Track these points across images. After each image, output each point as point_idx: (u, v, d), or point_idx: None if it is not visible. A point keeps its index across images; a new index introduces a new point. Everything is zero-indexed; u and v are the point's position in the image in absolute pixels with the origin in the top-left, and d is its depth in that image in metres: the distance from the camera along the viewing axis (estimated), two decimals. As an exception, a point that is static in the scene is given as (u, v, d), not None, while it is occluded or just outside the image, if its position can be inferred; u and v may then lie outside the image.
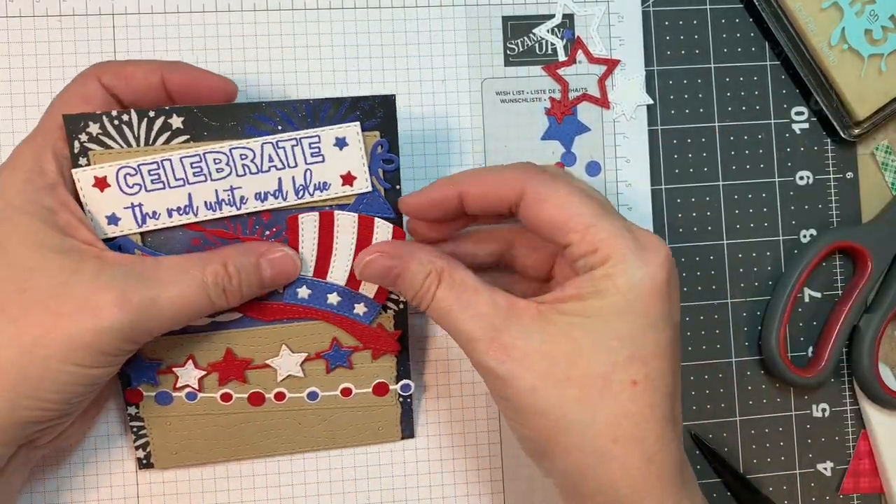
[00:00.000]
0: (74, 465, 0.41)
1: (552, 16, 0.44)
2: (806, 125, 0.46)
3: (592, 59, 0.44)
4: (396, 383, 0.41)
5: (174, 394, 0.39)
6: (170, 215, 0.36)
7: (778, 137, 0.46)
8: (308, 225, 0.37)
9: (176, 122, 0.36)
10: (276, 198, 0.37)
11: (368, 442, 0.42)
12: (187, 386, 0.39)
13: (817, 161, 0.46)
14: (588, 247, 0.33)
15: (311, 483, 0.42)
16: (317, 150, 0.36)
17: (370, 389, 0.41)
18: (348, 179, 0.37)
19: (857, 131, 0.45)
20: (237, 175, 0.36)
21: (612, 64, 0.44)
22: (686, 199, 0.45)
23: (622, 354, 0.32)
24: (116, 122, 0.35)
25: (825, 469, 0.46)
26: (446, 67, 0.43)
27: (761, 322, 0.45)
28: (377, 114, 0.37)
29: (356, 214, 0.37)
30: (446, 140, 0.43)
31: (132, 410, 0.39)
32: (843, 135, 0.45)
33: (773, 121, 0.46)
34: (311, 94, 0.42)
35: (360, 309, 0.39)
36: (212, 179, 0.36)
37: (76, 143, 0.35)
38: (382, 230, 0.38)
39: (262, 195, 0.37)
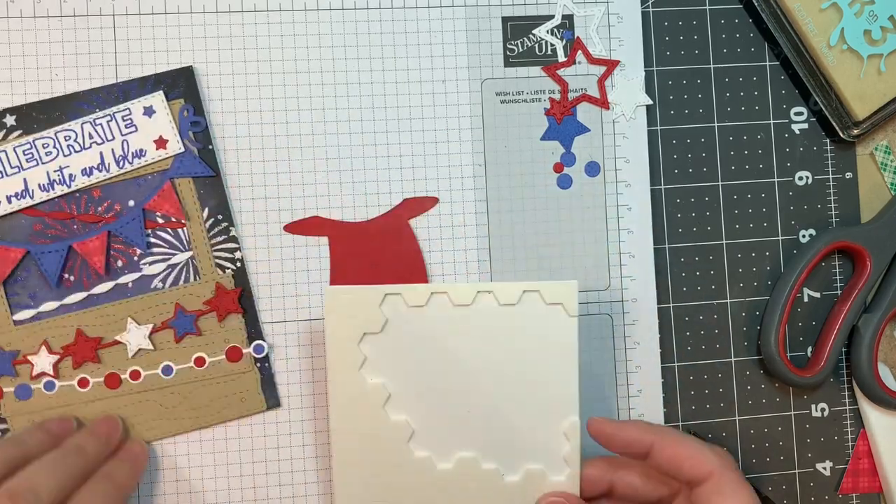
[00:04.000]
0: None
1: (552, 16, 0.44)
2: (805, 125, 0.46)
3: (592, 60, 0.44)
4: (249, 346, 0.42)
5: (32, 385, 0.41)
6: (10, 201, 0.40)
7: (777, 137, 0.46)
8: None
9: (10, 120, 0.41)
10: (101, 171, 0.41)
11: (235, 416, 0.42)
12: (43, 374, 0.41)
13: (816, 161, 0.46)
14: None
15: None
16: (129, 121, 0.41)
17: (224, 356, 0.42)
18: (161, 143, 0.41)
19: (856, 131, 0.45)
20: (64, 155, 0.41)
21: (611, 64, 0.44)
22: (686, 199, 0.45)
23: None
24: None
25: (824, 469, 0.46)
26: (446, 67, 0.43)
27: (760, 322, 0.45)
28: (179, 84, 0.42)
29: None
30: (446, 140, 0.43)
31: None
32: (842, 135, 0.45)
33: (772, 121, 0.46)
34: (311, 94, 0.42)
35: None
36: (42, 163, 0.41)
37: None
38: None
39: (88, 170, 0.41)
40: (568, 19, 0.44)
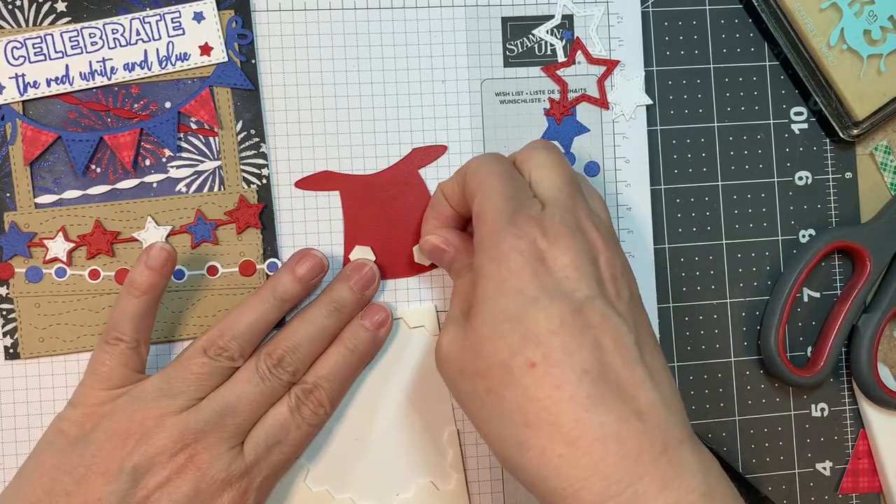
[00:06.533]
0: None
1: (551, 16, 0.44)
2: (805, 125, 0.46)
3: (592, 60, 0.44)
4: (263, 262, 0.42)
5: (44, 270, 0.41)
6: (48, 85, 0.41)
7: (777, 137, 0.46)
8: None
9: (60, 6, 0.41)
10: (143, 68, 0.41)
11: None
12: (56, 260, 0.41)
13: (816, 161, 0.46)
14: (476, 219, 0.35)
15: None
16: (178, 24, 0.41)
17: (237, 269, 0.42)
18: (206, 50, 0.41)
19: (856, 131, 0.45)
20: (109, 48, 0.41)
21: (611, 64, 0.44)
22: (685, 200, 0.45)
23: (515, 337, 0.32)
24: (10, 6, 0.40)
25: (824, 469, 0.46)
26: (446, 68, 0.43)
27: (760, 322, 0.45)
28: None
29: None
30: (446, 140, 0.43)
31: (2, 291, 0.41)
32: (842, 135, 0.45)
33: (772, 121, 0.46)
34: (311, 94, 0.42)
35: None
36: (87, 52, 0.41)
37: None
38: None
39: (130, 66, 0.41)
40: (568, 19, 0.44)
